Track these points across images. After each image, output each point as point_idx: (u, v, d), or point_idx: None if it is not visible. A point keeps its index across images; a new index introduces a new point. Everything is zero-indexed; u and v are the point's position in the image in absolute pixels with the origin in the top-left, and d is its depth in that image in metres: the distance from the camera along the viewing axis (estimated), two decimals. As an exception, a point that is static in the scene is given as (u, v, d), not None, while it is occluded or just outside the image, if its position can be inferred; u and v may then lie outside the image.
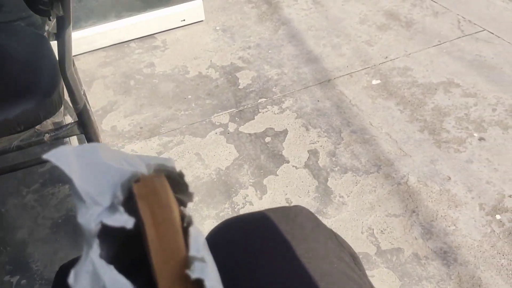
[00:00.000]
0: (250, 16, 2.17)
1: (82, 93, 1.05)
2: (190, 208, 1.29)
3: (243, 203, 1.29)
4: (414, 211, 1.23)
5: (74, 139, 1.51)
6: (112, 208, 0.27)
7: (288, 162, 1.40)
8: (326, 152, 1.42)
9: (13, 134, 0.92)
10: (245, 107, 1.63)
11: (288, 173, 1.37)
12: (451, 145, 1.41)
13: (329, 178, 1.34)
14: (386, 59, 1.81)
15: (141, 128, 1.58)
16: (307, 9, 2.18)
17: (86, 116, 1.04)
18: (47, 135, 1.00)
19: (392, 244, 1.16)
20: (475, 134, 1.44)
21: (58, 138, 1.02)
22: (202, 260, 0.26)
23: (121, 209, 0.27)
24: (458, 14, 2.04)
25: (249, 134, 1.52)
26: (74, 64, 1.08)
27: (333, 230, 0.53)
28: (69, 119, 1.49)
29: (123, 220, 0.26)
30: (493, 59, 1.75)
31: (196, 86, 1.76)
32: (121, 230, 0.26)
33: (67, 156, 0.27)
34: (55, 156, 0.26)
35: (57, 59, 0.92)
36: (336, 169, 1.37)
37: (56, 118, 1.06)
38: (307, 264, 0.43)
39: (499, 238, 1.15)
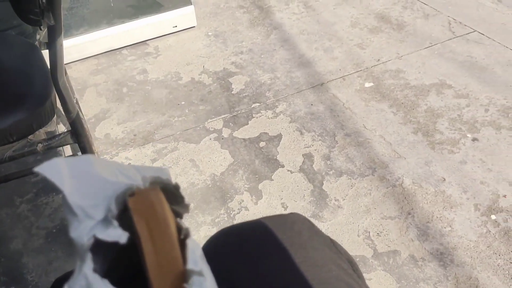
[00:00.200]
0: (242, 21, 2.17)
1: (75, 101, 1.04)
2: (186, 215, 1.29)
3: (238, 209, 1.29)
4: (409, 213, 1.23)
5: (67, 148, 1.50)
6: (105, 221, 0.26)
7: (283, 166, 1.40)
8: (320, 156, 1.43)
9: (6, 144, 0.91)
10: (239, 112, 1.63)
11: (283, 177, 1.37)
12: (444, 146, 1.42)
13: (324, 182, 1.34)
14: (378, 62, 1.81)
15: (134, 135, 1.57)
16: (299, 13, 2.19)
17: (79, 125, 1.03)
18: (40, 145, 0.99)
19: (388, 246, 1.16)
20: (469, 135, 1.45)
21: (51, 147, 1.01)
22: (200, 273, 0.26)
23: (115, 223, 0.26)
24: (448, 16, 2.05)
25: (244, 139, 1.51)
26: (66, 73, 1.08)
27: (329, 234, 0.52)
28: (62, 128, 1.48)
29: (117, 235, 0.26)
30: (484, 60, 1.76)
31: (189, 92, 1.76)
32: (115, 244, 0.26)
33: (59, 169, 0.27)
34: (47, 169, 0.26)
35: (49, 68, 0.91)
36: (331, 172, 1.37)
37: (49, 127, 1.05)
38: (306, 272, 0.43)
39: (495, 238, 1.16)
